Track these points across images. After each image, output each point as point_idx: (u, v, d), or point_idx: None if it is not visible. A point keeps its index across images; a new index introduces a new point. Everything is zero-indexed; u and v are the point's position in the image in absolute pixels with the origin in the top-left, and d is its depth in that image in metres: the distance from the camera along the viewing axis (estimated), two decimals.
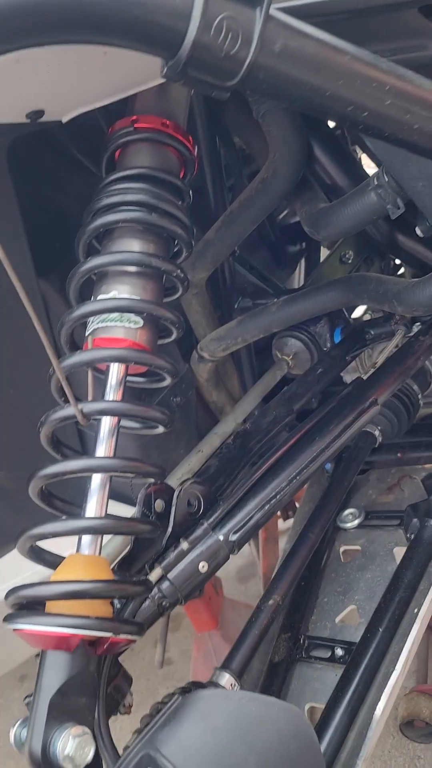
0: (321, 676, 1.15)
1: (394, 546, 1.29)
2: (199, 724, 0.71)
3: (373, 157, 1.11)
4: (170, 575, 0.83)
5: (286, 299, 1.29)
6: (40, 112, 0.83)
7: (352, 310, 1.49)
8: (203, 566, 0.85)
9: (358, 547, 1.34)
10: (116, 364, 0.79)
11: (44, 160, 1.19)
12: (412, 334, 1.19)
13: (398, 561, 1.25)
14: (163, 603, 0.82)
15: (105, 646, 0.69)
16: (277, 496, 0.94)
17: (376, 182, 0.95)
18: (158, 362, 0.78)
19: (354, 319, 1.47)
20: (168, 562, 0.84)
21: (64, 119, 0.87)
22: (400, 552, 1.27)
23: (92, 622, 0.66)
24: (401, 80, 0.67)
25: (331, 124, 1.27)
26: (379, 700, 0.95)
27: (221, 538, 0.88)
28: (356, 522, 1.37)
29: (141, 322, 0.79)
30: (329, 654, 1.16)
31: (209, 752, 0.69)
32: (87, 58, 0.74)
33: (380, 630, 1.10)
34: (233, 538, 0.89)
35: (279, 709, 0.74)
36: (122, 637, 0.68)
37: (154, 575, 0.82)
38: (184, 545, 0.85)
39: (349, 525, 1.37)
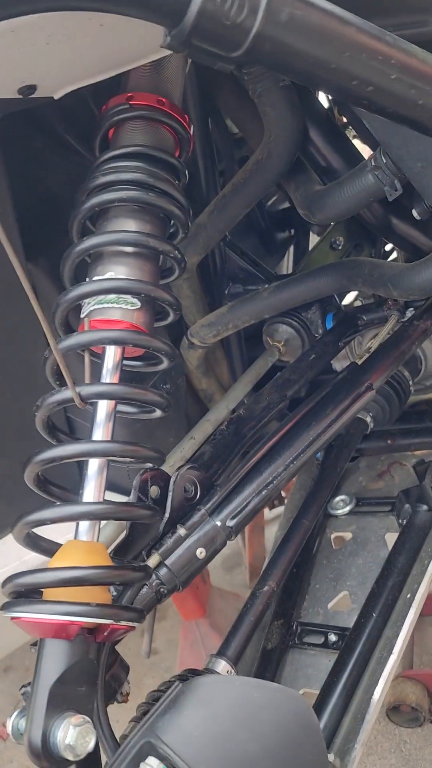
0: (314, 662, 1.15)
1: (386, 532, 1.29)
2: (201, 711, 0.70)
3: (368, 139, 1.10)
4: (168, 561, 0.82)
5: (278, 285, 1.28)
6: (33, 88, 0.80)
7: (343, 296, 1.48)
8: (201, 552, 0.84)
9: (349, 534, 1.34)
10: (113, 347, 0.77)
11: (32, 141, 1.16)
12: (405, 319, 1.19)
13: (390, 547, 1.25)
14: (161, 589, 0.81)
15: (105, 634, 0.67)
16: (274, 482, 0.93)
17: (373, 163, 0.94)
18: (157, 345, 0.77)
19: (345, 305, 1.46)
20: (166, 549, 0.82)
21: (57, 95, 0.84)
22: (391, 538, 1.27)
23: (93, 609, 0.64)
24: (406, 54, 0.66)
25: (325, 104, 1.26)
26: (376, 684, 0.95)
27: (218, 523, 0.87)
28: (347, 509, 1.37)
29: (138, 304, 0.77)
30: (322, 640, 1.16)
31: (211, 739, 0.68)
32: (83, 30, 0.72)
33: (374, 615, 1.10)
34: (230, 523, 0.88)
35: (281, 695, 0.73)
36: (122, 624, 0.67)
37: (151, 561, 0.81)
38: (182, 531, 0.84)
39: (339, 512, 1.37)
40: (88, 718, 0.65)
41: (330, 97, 1.48)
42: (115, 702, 0.80)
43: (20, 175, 1.08)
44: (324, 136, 1.09)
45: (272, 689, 0.74)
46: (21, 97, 0.81)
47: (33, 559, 1.34)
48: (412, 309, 1.19)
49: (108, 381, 0.76)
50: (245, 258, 1.41)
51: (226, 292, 1.43)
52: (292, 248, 1.77)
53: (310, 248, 1.73)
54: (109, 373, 0.76)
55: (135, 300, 0.77)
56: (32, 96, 0.82)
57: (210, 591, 2.06)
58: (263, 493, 0.91)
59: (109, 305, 0.77)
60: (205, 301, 1.38)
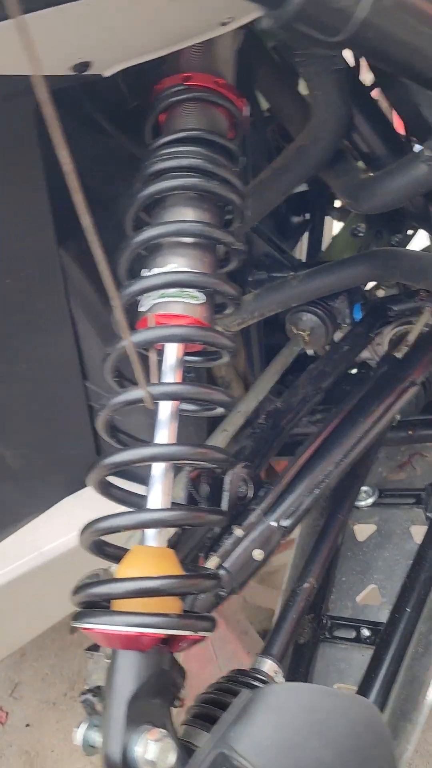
0: (347, 656, 1.15)
1: (411, 524, 1.29)
2: (272, 720, 0.69)
3: (414, 124, 1.07)
4: (226, 564, 0.80)
5: (309, 273, 1.25)
6: (87, 64, 0.76)
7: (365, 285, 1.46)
8: (258, 554, 0.82)
9: (372, 526, 1.33)
10: (175, 344, 0.73)
11: (61, 121, 1.11)
12: None
13: (415, 539, 1.25)
14: (220, 593, 0.79)
15: (180, 644, 0.65)
16: (326, 480, 0.91)
17: (428, 153, 0.91)
18: (223, 342, 0.73)
19: (367, 291, 1.44)
20: (224, 550, 0.80)
21: (107, 73, 0.80)
22: (417, 530, 1.27)
23: (171, 620, 0.62)
24: None
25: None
26: (429, 685, 0.94)
27: (274, 524, 0.85)
28: (370, 500, 1.36)
29: (202, 298, 0.74)
30: (354, 635, 1.15)
31: (283, 748, 0.67)
32: (152, 4, 0.67)
33: (407, 611, 1.10)
34: (285, 523, 0.86)
35: (350, 702, 0.72)
36: (198, 634, 0.65)
37: (211, 564, 0.78)
38: (238, 532, 0.82)
39: (362, 503, 1.36)
40: (166, 732, 0.62)
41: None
42: (173, 707, 0.78)
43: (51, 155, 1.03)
44: (368, 122, 1.05)
45: (342, 697, 0.73)
46: (74, 74, 0.76)
47: (51, 550, 1.32)
48: None
49: (171, 379, 0.72)
50: (271, 244, 1.37)
51: (250, 279, 1.40)
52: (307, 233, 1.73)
53: (324, 233, 1.70)
54: (171, 371, 0.73)
55: (198, 294, 0.74)
56: (84, 73, 0.77)
57: None
58: (315, 492, 0.89)
59: (173, 299, 0.73)
60: None
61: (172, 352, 0.73)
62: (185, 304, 0.73)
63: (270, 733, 0.68)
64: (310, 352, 1.59)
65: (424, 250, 1.50)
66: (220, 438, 1.15)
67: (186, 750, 0.69)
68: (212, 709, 0.75)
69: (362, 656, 1.11)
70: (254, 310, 1.29)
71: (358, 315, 1.31)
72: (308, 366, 1.20)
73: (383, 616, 1.14)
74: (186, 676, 0.79)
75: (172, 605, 0.65)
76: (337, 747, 0.68)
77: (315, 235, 1.72)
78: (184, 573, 0.67)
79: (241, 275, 1.40)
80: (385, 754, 0.70)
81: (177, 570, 0.67)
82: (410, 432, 1.44)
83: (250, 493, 0.86)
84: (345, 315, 1.32)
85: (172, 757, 0.61)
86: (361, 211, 1.04)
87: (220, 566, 0.79)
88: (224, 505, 0.81)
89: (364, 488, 1.39)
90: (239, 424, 1.18)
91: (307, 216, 1.71)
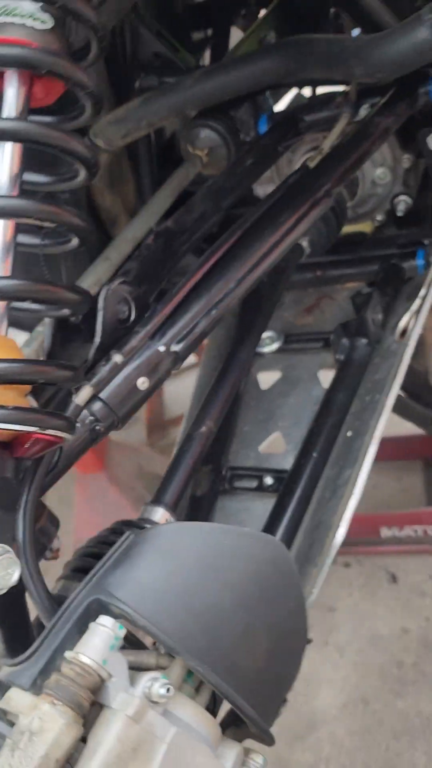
0: (247, 506, 1.06)
1: (319, 369, 1.19)
2: (160, 562, 0.57)
3: None
4: (103, 394, 0.65)
5: (206, 71, 1.05)
6: None
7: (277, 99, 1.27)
8: (143, 382, 0.67)
9: (277, 373, 1.22)
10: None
11: None
12: (359, 118, 1.00)
13: (323, 384, 1.15)
14: (97, 427, 0.64)
15: (26, 446, 0.50)
16: (225, 300, 0.76)
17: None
18: (79, 76, 0.54)
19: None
20: (99, 379, 0.65)
21: None
22: (324, 375, 1.18)
23: (10, 413, 0.47)
24: None
25: None
26: (337, 527, 0.86)
27: (162, 348, 0.70)
28: (275, 346, 1.24)
29: (49, 23, 0.53)
30: (256, 484, 1.07)
31: (175, 591, 0.56)
32: None
33: (314, 455, 1.01)
34: (176, 348, 0.71)
35: (254, 539, 0.61)
36: (49, 433, 0.50)
37: (82, 395, 0.63)
38: (117, 358, 0.66)
39: (266, 350, 1.24)
40: (8, 548, 0.50)
41: None
42: (44, 559, 0.65)
43: None
44: None
45: (244, 534, 0.62)
46: None
47: None
48: (367, 106, 1.01)
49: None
50: (161, 39, 1.14)
51: (137, 86, 1.17)
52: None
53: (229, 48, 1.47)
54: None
55: (46, 17, 0.53)
56: None
57: (108, 444, 1.94)
58: (212, 313, 0.74)
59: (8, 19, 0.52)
60: (110, 92, 1.12)
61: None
62: (26, 29, 0.53)
63: (158, 576, 0.56)
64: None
65: None
66: (102, 268, 0.97)
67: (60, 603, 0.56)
68: (93, 561, 0.63)
69: (264, 505, 1.02)
70: (142, 119, 1.08)
71: (264, 128, 1.13)
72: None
73: (287, 464, 1.05)
74: (59, 524, 0.66)
75: (15, 400, 0.50)
76: (240, 588, 0.58)
77: (219, 51, 1.47)
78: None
79: (127, 81, 1.17)
80: (296, 595, 0.61)
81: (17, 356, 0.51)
82: (318, 273, 1.32)
83: (133, 315, 0.70)
84: (249, 127, 1.14)
85: (14, 574, 0.49)
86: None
87: (94, 397, 0.64)
88: (98, 326, 0.65)
89: (267, 334, 1.26)
90: (126, 253, 1.01)
91: (209, 32, 1.46)
